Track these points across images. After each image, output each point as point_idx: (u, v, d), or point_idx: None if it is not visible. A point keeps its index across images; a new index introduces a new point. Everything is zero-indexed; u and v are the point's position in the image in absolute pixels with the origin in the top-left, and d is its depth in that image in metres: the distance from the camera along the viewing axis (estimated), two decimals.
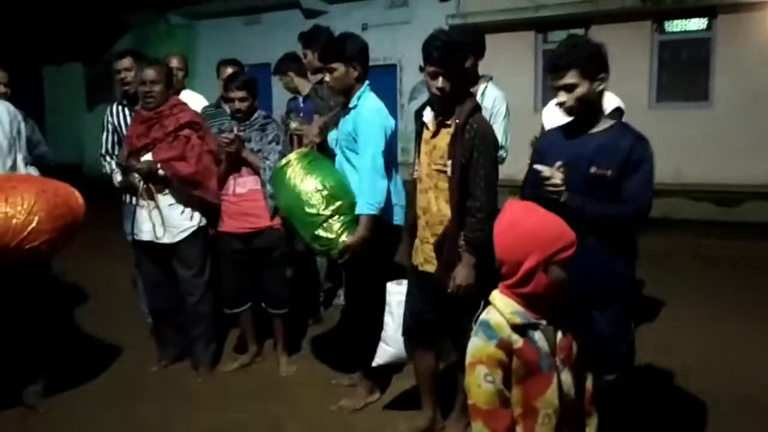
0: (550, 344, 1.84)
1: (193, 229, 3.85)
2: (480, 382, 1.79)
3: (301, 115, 4.49)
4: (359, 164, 3.34)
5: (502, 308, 1.84)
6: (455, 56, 2.88)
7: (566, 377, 1.87)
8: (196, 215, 3.86)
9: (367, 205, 3.28)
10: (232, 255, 3.93)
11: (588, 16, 9.61)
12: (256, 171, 3.83)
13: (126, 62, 4.27)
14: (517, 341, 1.82)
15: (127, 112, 4.35)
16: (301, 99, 4.67)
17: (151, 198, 3.78)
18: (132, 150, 3.77)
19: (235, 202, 3.86)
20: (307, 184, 3.40)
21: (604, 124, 2.52)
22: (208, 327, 4.03)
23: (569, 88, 2.45)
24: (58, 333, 4.04)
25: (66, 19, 11.98)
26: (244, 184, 3.84)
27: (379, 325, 3.35)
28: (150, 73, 3.73)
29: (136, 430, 3.45)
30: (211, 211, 3.90)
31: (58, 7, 12.09)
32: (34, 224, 3.08)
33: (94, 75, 13.25)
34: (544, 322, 1.85)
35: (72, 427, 3.46)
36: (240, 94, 3.84)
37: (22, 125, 3.58)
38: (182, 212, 3.82)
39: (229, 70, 4.57)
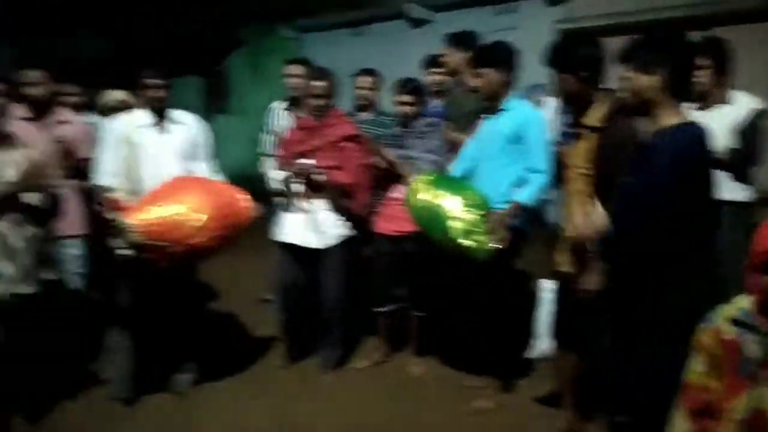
0: (763, 354, 1.77)
1: (343, 237, 4.01)
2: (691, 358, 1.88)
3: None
4: (530, 162, 3.45)
5: (735, 301, 1.86)
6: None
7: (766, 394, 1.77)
8: (347, 224, 4.02)
9: (528, 196, 3.42)
10: (383, 256, 4.08)
11: (710, 17, 9.22)
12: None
13: (294, 69, 4.55)
14: (727, 333, 1.81)
15: (286, 114, 4.62)
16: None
17: (307, 202, 3.94)
18: (290, 155, 3.95)
19: (389, 205, 4.01)
20: (444, 200, 3.48)
21: None
22: (341, 328, 4.19)
23: None
24: (206, 326, 4.27)
25: (184, 35, 12.65)
26: (399, 188, 3.96)
27: (508, 325, 3.39)
28: (320, 87, 3.91)
29: (282, 424, 3.62)
30: (358, 220, 4.06)
31: (177, 25, 12.79)
32: (198, 223, 3.31)
33: (209, 87, 13.89)
34: None
35: (224, 417, 3.67)
36: (408, 98, 3.96)
37: (207, 135, 3.90)
38: (334, 219, 3.98)
39: (360, 79, 4.70)
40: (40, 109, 3.84)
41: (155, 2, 12.72)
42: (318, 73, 4.01)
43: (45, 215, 3.26)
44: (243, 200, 3.63)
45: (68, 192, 3.69)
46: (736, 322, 1.81)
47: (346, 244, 4.06)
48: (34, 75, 3.78)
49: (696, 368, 1.87)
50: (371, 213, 4.11)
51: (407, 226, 3.87)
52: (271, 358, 4.35)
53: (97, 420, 3.59)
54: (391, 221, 4.01)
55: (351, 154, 3.95)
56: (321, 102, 3.92)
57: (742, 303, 1.83)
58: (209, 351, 4.12)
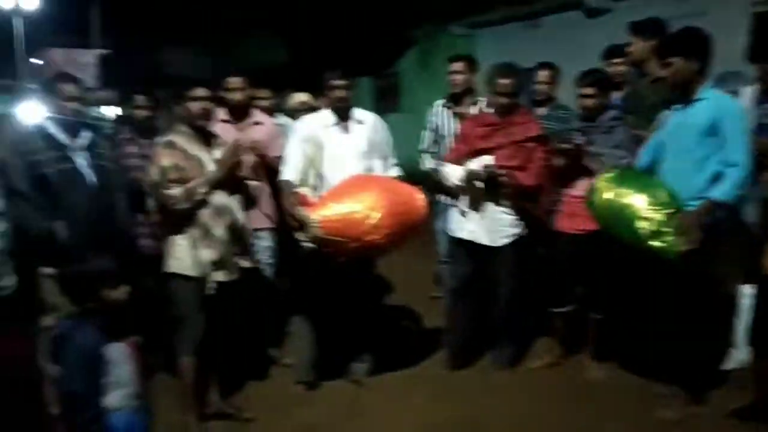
0: None
1: (517, 236, 3.95)
2: None
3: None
4: (727, 156, 3.21)
5: None
6: None
7: None
8: (522, 223, 3.95)
9: (725, 192, 3.18)
10: (561, 254, 3.98)
11: None
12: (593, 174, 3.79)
13: (458, 65, 4.58)
14: None
15: (448, 112, 4.67)
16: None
17: (485, 200, 3.90)
18: (470, 151, 3.92)
19: (571, 202, 3.90)
20: (630, 198, 3.33)
21: None
22: (514, 327, 4.13)
23: None
24: (380, 319, 4.40)
25: (357, 37, 13.11)
26: (581, 185, 3.83)
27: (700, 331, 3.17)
28: (506, 84, 3.82)
29: (456, 418, 3.63)
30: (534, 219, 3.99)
31: (350, 27, 13.28)
32: (374, 220, 3.41)
33: (381, 87, 14.32)
34: None
35: (396, 407, 3.76)
36: (590, 91, 3.82)
37: (386, 134, 4.02)
38: (509, 219, 3.92)
39: (541, 73, 4.61)
40: (239, 112, 4.16)
41: (331, 8, 13.30)
42: (504, 69, 3.90)
43: (242, 208, 3.52)
44: (419, 199, 3.70)
45: (261, 188, 3.96)
46: None
47: (521, 243, 3.98)
48: (235, 81, 4.10)
49: None
50: (551, 211, 4.00)
51: (589, 225, 3.73)
52: (441, 354, 4.38)
53: (280, 401, 3.83)
54: (573, 219, 3.88)
55: (535, 155, 3.85)
56: (506, 100, 3.85)
57: None
58: (383, 343, 4.23)
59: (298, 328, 4.12)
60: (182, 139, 3.38)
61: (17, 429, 2.19)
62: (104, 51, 25.32)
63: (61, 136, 3.40)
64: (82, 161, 3.43)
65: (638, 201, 3.29)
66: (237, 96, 4.10)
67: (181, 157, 3.33)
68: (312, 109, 4.58)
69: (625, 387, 3.82)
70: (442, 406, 3.73)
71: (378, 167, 3.93)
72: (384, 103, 14.36)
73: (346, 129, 3.88)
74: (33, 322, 3.34)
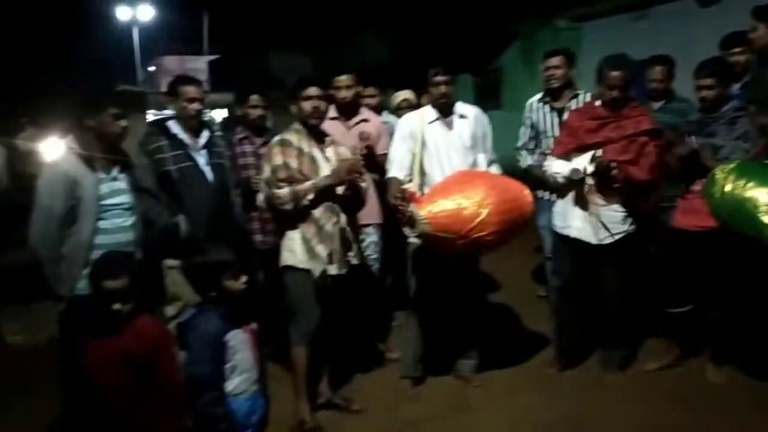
0: None
1: (627, 233, 3.81)
2: None
3: None
4: None
5: None
6: None
7: None
8: (631, 219, 3.81)
9: None
10: (679, 252, 3.81)
11: None
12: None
13: (555, 60, 4.50)
14: None
15: (548, 109, 4.59)
16: None
17: (594, 195, 3.78)
18: (579, 146, 3.81)
19: (689, 198, 3.74)
20: (755, 192, 3.16)
21: None
22: (624, 327, 3.99)
23: None
24: (487, 316, 4.38)
25: (458, 34, 13.06)
26: (701, 180, 3.65)
27: None
28: (617, 77, 3.69)
29: (568, 419, 3.57)
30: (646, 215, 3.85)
31: (452, 23, 13.25)
32: (482, 216, 3.38)
33: (482, 84, 14.18)
34: None
35: (503, 405, 3.74)
36: (708, 81, 3.66)
37: (488, 129, 4.00)
38: (619, 215, 3.79)
39: (656, 68, 4.43)
40: (347, 110, 4.24)
41: (433, 5, 13.31)
42: (615, 61, 3.77)
43: (352, 205, 3.59)
44: (526, 195, 3.64)
45: (369, 184, 4.03)
46: None
47: (631, 240, 3.84)
48: (343, 79, 4.18)
49: None
50: (665, 208, 3.84)
51: (709, 221, 3.56)
52: (548, 353, 4.30)
53: (387, 395, 3.88)
54: (691, 216, 3.71)
55: (648, 149, 3.70)
56: (617, 93, 3.72)
57: None
58: (489, 341, 4.20)
59: (404, 324, 4.17)
60: (296, 138, 3.48)
61: (148, 410, 2.33)
62: (213, 57, 26.49)
63: (184, 136, 3.60)
64: (201, 160, 3.62)
65: (761, 194, 3.11)
66: (345, 93, 4.18)
67: (293, 156, 3.42)
68: (415, 106, 4.63)
69: (747, 390, 3.64)
70: (555, 406, 3.67)
71: (481, 162, 3.91)
72: (485, 100, 14.18)
73: (448, 124, 3.88)
74: (157, 310, 3.56)
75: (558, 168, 3.88)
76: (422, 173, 3.86)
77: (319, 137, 3.58)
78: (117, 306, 2.23)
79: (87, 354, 2.22)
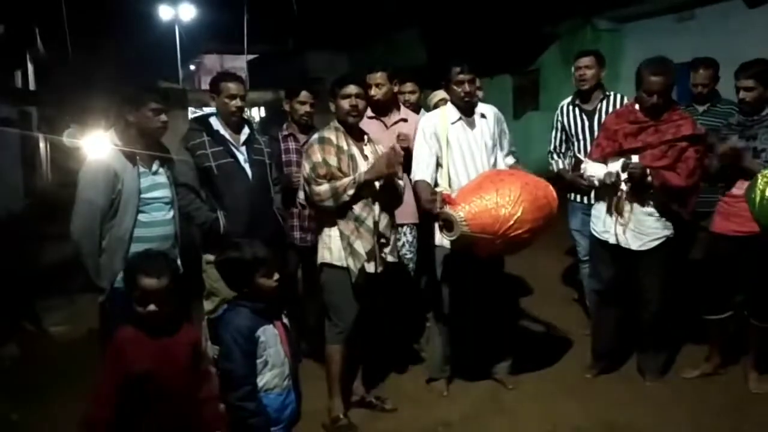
0: None
1: (665, 238, 3.73)
2: None
3: None
4: None
5: None
6: None
7: None
8: (669, 225, 3.73)
9: None
10: (718, 257, 3.73)
11: None
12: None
13: (586, 60, 4.44)
14: None
15: (578, 111, 4.53)
16: None
17: (631, 201, 3.71)
18: (617, 151, 3.74)
19: (729, 203, 3.66)
20: None
21: None
22: (662, 333, 3.91)
23: None
24: (519, 319, 4.35)
25: (498, 34, 12.97)
26: (741, 185, 3.58)
27: None
28: (658, 83, 3.59)
29: (603, 425, 3.52)
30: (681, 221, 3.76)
31: (491, 24, 13.17)
32: (519, 214, 3.34)
33: (520, 85, 14.09)
34: None
35: (537, 409, 3.69)
36: (748, 83, 3.58)
37: (505, 126, 3.96)
38: (656, 221, 3.71)
39: (701, 71, 4.34)
40: (383, 108, 4.23)
41: (472, 5, 13.25)
42: (655, 66, 3.66)
43: (390, 201, 3.59)
44: (553, 192, 3.60)
45: (405, 184, 4.01)
46: None
47: (668, 245, 3.76)
48: (377, 76, 4.15)
49: None
50: (707, 213, 3.75)
51: (749, 226, 3.47)
52: (582, 358, 4.24)
53: (420, 395, 3.87)
54: (731, 220, 3.63)
55: (687, 154, 3.61)
56: (657, 99, 3.62)
57: None
58: (523, 344, 4.16)
59: (432, 327, 4.15)
60: (334, 136, 3.48)
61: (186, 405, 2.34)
62: (252, 56, 26.79)
63: (225, 133, 3.64)
64: (242, 156, 3.65)
65: None
66: (376, 91, 4.15)
67: (333, 153, 3.42)
68: None
69: None
70: (591, 411, 3.62)
71: (500, 161, 3.89)
72: (523, 101, 14.10)
73: (471, 124, 3.84)
74: (196, 305, 3.60)
75: (594, 171, 3.82)
76: (448, 175, 3.83)
77: (359, 135, 3.58)
78: (152, 307, 2.20)
79: (135, 359, 2.21)
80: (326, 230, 3.50)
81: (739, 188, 3.58)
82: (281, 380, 2.59)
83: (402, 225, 4.16)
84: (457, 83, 3.76)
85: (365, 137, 3.62)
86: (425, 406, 3.74)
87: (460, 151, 3.80)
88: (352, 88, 3.49)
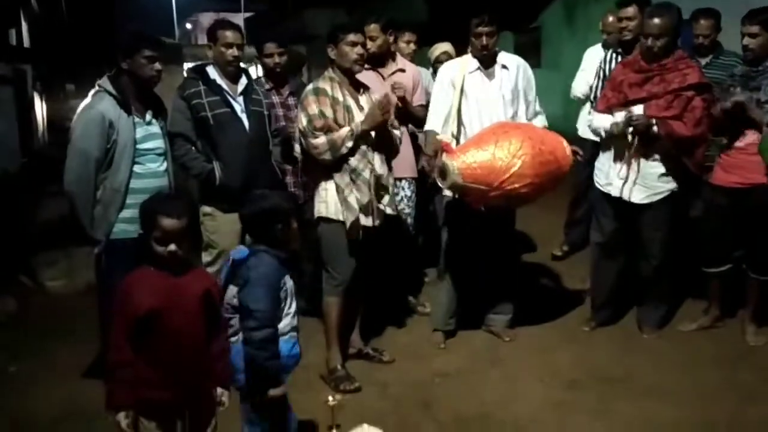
0: None
1: (669, 192, 3.69)
2: None
3: None
4: None
5: None
6: None
7: None
8: (674, 179, 3.68)
9: None
10: (718, 210, 3.71)
11: None
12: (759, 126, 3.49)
13: (630, 11, 4.30)
14: None
15: (614, 58, 4.43)
16: None
17: (636, 153, 3.65)
18: (622, 102, 3.67)
19: (732, 155, 3.62)
20: None
21: None
22: (663, 287, 3.91)
23: None
24: (521, 273, 4.34)
25: None
26: (743, 137, 3.56)
27: None
28: (656, 26, 3.52)
29: (598, 376, 3.53)
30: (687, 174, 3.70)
31: None
32: (516, 168, 3.29)
33: (522, 43, 13.87)
34: None
35: (534, 360, 3.71)
36: (753, 29, 3.51)
37: (532, 80, 3.87)
38: (662, 174, 3.66)
39: (701, 22, 4.24)
40: (379, 60, 4.16)
41: None
42: (654, 10, 3.60)
43: (387, 152, 3.53)
44: (565, 148, 3.55)
45: (402, 134, 3.96)
46: None
47: (672, 200, 3.73)
48: (372, 28, 4.07)
49: None
50: (709, 166, 3.72)
51: (751, 178, 3.44)
52: (582, 312, 4.26)
53: (417, 348, 3.89)
54: (733, 172, 3.59)
55: (694, 104, 3.54)
56: (660, 43, 3.54)
57: None
58: (522, 297, 4.17)
59: (436, 277, 4.15)
60: (329, 86, 3.41)
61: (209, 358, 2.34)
62: (250, 14, 26.40)
63: (222, 82, 3.57)
64: (239, 107, 3.59)
65: None
66: (374, 43, 4.07)
67: (328, 105, 3.36)
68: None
69: None
70: (586, 364, 3.64)
71: (522, 115, 3.81)
72: (525, 58, 13.90)
73: (489, 75, 3.77)
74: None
75: (600, 122, 3.77)
76: (460, 124, 3.78)
77: (355, 86, 3.51)
78: (173, 247, 2.19)
79: (148, 295, 2.19)
80: (322, 184, 3.46)
81: (741, 140, 3.55)
82: (290, 329, 2.58)
83: (400, 179, 4.13)
84: (475, 35, 3.70)
85: (361, 88, 3.55)
86: (423, 359, 3.76)
87: (475, 102, 3.74)
88: (358, 36, 3.40)
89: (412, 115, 4.09)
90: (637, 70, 3.66)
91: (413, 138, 4.27)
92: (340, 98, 3.40)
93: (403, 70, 4.20)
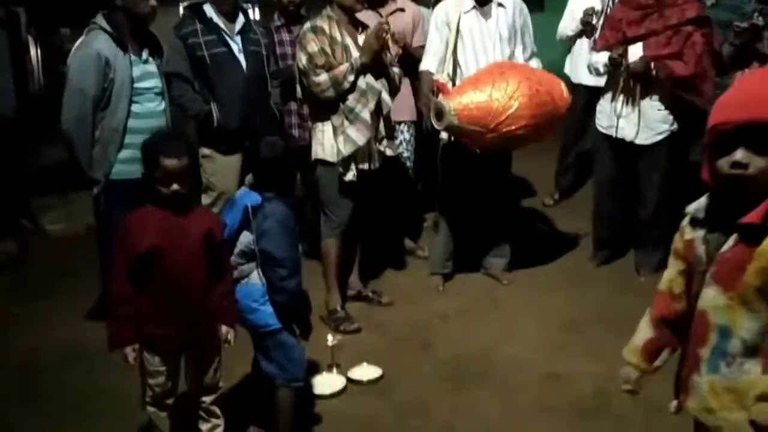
0: (709, 251, 1.48)
1: (669, 132, 3.68)
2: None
3: None
4: None
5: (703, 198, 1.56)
6: None
7: (710, 296, 1.47)
8: (674, 118, 3.67)
9: None
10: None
11: None
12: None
13: None
14: (688, 233, 1.58)
15: None
16: None
17: (635, 96, 3.63)
18: (621, 40, 3.64)
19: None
20: None
21: None
22: (660, 229, 3.92)
23: None
24: (518, 216, 4.35)
25: None
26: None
27: None
28: None
29: (597, 316, 3.56)
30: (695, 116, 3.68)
31: None
32: (512, 109, 3.28)
33: None
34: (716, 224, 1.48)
35: (533, 304, 3.75)
36: None
37: (528, 19, 3.80)
38: (663, 115, 3.65)
39: None
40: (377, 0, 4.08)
41: None
42: None
43: (387, 89, 3.46)
44: (562, 90, 3.52)
45: (402, 78, 3.90)
46: (693, 220, 1.56)
47: (672, 140, 3.72)
48: None
49: (667, 275, 1.69)
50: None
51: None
52: (582, 254, 4.29)
53: (415, 290, 3.93)
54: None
55: (694, 39, 3.50)
56: None
57: (703, 198, 1.56)
58: (522, 242, 4.19)
59: (434, 221, 4.16)
60: (327, 25, 3.34)
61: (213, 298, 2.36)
62: None
63: (218, 20, 3.50)
64: (236, 46, 3.53)
65: None
66: None
67: (326, 43, 3.30)
68: None
69: None
70: (583, 305, 3.68)
71: (519, 55, 3.76)
72: (527, 2, 13.64)
73: (485, 14, 3.70)
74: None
75: (599, 57, 3.74)
76: (456, 64, 3.72)
77: (354, 25, 3.45)
78: (175, 187, 2.19)
79: (149, 233, 2.19)
80: (319, 125, 3.43)
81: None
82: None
83: (399, 122, 4.10)
84: None
85: (360, 27, 3.48)
86: (421, 301, 3.80)
87: (471, 42, 3.68)
88: None
89: (413, 59, 4.03)
90: (635, 7, 3.62)
91: (412, 80, 4.21)
92: (339, 37, 3.34)
93: (402, 10, 4.12)
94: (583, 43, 4.76)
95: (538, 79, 3.43)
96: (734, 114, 1.40)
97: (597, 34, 4.41)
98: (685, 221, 1.60)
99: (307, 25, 3.39)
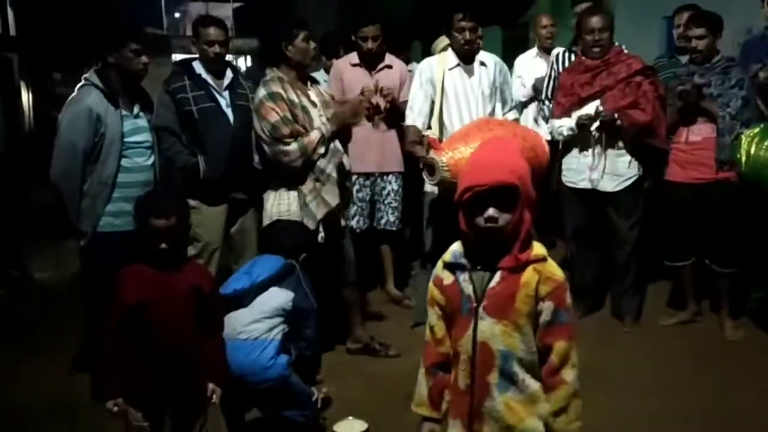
0: (476, 289, 1.74)
1: (636, 177, 3.82)
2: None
3: None
4: None
5: (452, 247, 1.83)
6: None
7: (487, 327, 1.72)
8: (639, 164, 3.82)
9: None
10: (679, 205, 3.78)
11: None
12: (712, 119, 3.60)
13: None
14: (446, 279, 1.81)
15: (569, 57, 4.47)
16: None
17: (603, 147, 3.78)
18: (576, 102, 3.81)
19: (686, 150, 3.71)
20: None
21: None
22: (636, 278, 3.99)
23: None
24: None
25: None
26: (698, 131, 3.66)
27: None
28: (597, 21, 3.75)
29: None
30: (655, 159, 3.82)
31: None
32: None
33: (511, 37, 13.90)
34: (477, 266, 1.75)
35: None
36: (701, 31, 3.62)
37: (508, 76, 3.95)
38: (628, 161, 3.79)
39: (685, 15, 4.30)
40: (371, 60, 4.21)
41: None
42: (592, 8, 3.83)
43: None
44: (543, 145, 3.61)
45: (389, 132, 3.99)
46: (448, 265, 1.81)
47: (639, 184, 3.86)
48: (369, 30, 4.14)
49: (430, 322, 1.87)
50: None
51: (709, 173, 3.60)
52: None
53: (402, 341, 3.87)
54: (690, 168, 3.72)
55: (644, 88, 3.70)
56: (602, 37, 3.73)
57: (455, 246, 1.83)
58: None
59: (418, 272, 4.18)
60: (282, 88, 3.31)
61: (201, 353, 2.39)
62: (239, 4, 26.24)
63: (207, 77, 3.58)
64: (224, 101, 3.60)
65: None
66: (375, 43, 4.14)
67: (287, 108, 3.27)
68: None
69: (765, 348, 3.63)
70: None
71: (499, 111, 3.89)
72: (514, 54, 13.91)
73: (469, 71, 3.81)
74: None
75: (562, 122, 3.87)
76: (441, 121, 3.81)
77: (302, 80, 3.45)
78: (163, 246, 2.23)
79: (137, 287, 2.23)
80: (282, 192, 3.36)
81: (697, 134, 3.67)
82: None
83: (388, 173, 4.17)
84: (458, 30, 3.73)
85: (308, 81, 3.50)
86: (408, 351, 3.75)
87: (455, 98, 3.78)
88: (306, 34, 3.36)
89: (401, 113, 4.12)
90: (583, 70, 3.82)
91: (401, 133, 4.30)
92: (296, 100, 3.32)
93: (390, 67, 4.23)
94: (532, 107, 5.05)
95: (523, 135, 3.51)
96: (488, 177, 1.65)
97: (544, 101, 4.60)
98: (438, 269, 1.84)
99: (262, 92, 3.30)
